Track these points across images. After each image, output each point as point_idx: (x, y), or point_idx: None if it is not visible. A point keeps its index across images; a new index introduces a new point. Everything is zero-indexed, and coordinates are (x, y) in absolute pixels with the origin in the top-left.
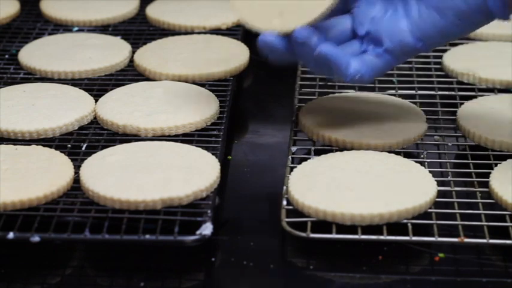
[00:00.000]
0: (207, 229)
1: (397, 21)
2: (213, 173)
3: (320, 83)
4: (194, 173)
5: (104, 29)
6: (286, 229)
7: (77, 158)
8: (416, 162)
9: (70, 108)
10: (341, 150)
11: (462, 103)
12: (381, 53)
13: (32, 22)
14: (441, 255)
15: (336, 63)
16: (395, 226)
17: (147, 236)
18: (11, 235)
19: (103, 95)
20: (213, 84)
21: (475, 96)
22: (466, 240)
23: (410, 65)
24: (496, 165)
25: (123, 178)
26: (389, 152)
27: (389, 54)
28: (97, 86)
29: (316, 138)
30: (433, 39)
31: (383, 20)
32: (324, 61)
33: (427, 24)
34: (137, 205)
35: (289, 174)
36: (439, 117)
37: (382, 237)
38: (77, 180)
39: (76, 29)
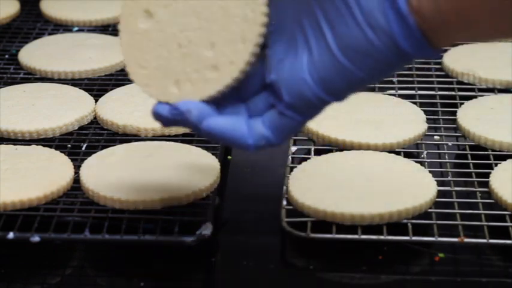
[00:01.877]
0: (207, 229)
1: (298, 68)
2: (213, 173)
3: None
4: (194, 173)
5: (104, 29)
6: (286, 229)
7: (77, 158)
8: (416, 162)
9: (70, 108)
10: (341, 150)
11: (462, 103)
12: (283, 109)
13: (32, 22)
14: (441, 255)
15: (231, 138)
16: (395, 226)
17: (147, 236)
18: (11, 235)
19: (103, 95)
20: None
21: (475, 96)
22: (466, 240)
23: (410, 65)
24: (496, 165)
25: (123, 178)
26: (390, 152)
27: (293, 110)
28: (97, 86)
29: (316, 138)
30: (340, 89)
31: (284, 66)
32: (216, 136)
33: (329, 71)
34: (137, 205)
35: (289, 174)
36: (439, 117)
37: (382, 237)
38: (77, 180)
39: (76, 29)
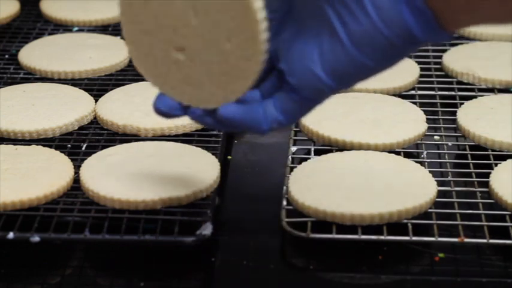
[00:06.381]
0: (207, 229)
1: (308, 58)
2: (213, 173)
3: None
4: (194, 173)
5: (104, 29)
6: (286, 229)
7: (77, 158)
8: (416, 162)
9: (70, 108)
10: (341, 150)
11: (462, 103)
12: (293, 95)
13: (32, 22)
14: (441, 255)
15: (246, 124)
16: (395, 226)
17: (147, 236)
18: (11, 235)
19: (103, 95)
20: None
21: (475, 96)
22: (466, 240)
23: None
24: (496, 165)
25: (123, 178)
26: (390, 152)
27: (303, 96)
28: (97, 86)
29: (316, 138)
30: (351, 78)
31: (293, 55)
32: (232, 124)
33: (341, 63)
34: (137, 205)
35: (289, 174)
36: (439, 117)
37: (382, 237)
38: (77, 180)
39: (76, 29)
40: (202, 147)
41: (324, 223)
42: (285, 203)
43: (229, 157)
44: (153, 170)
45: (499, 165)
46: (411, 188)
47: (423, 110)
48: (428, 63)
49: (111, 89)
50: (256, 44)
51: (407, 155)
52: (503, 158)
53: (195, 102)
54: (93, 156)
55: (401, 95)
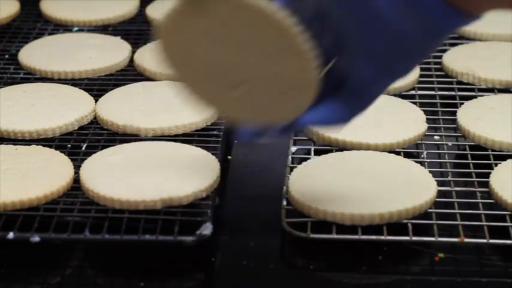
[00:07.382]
0: (207, 229)
1: (354, 59)
2: (213, 173)
3: None
4: (194, 173)
5: (104, 29)
6: (286, 229)
7: (77, 158)
8: (416, 162)
9: (70, 108)
10: (341, 150)
11: (462, 103)
12: (354, 92)
13: (32, 22)
14: (441, 255)
15: (326, 122)
16: (396, 226)
17: (147, 236)
18: (11, 235)
19: (103, 95)
20: None
21: (475, 96)
22: (466, 240)
23: None
24: (496, 165)
25: (123, 178)
26: (390, 152)
27: (359, 93)
28: (97, 86)
29: (316, 138)
30: (399, 63)
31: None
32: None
33: (386, 56)
34: (137, 205)
35: (289, 174)
36: (439, 117)
37: (382, 237)
38: (77, 180)
39: (76, 29)
40: (202, 147)
41: (324, 223)
42: (285, 203)
43: (229, 157)
44: (153, 170)
45: (499, 165)
46: (411, 188)
47: (423, 110)
48: (428, 63)
49: (111, 89)
50: (297, 45)
51: (407, 155)
52: (503, 158)
53: (272, 119)
54: (93, 156)
55: (402, 95)
